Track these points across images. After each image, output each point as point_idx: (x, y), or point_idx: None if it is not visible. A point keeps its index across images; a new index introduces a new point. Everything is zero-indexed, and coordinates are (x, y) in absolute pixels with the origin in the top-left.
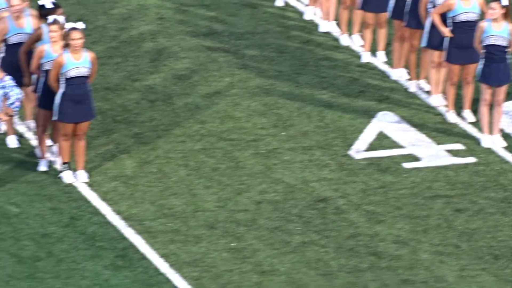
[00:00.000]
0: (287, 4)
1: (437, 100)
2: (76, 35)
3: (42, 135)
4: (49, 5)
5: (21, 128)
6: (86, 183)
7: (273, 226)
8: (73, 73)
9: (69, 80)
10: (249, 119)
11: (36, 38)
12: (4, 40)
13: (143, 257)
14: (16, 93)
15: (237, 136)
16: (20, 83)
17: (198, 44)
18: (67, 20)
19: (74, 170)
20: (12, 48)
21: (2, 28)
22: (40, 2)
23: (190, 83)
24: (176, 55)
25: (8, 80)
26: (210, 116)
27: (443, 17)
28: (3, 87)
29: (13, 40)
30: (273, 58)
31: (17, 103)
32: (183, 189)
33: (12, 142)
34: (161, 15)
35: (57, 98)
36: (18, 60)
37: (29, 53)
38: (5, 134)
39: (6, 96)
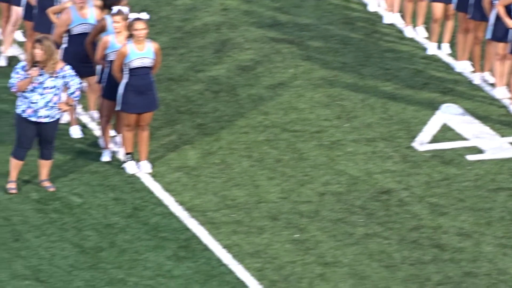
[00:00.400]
0: None
1: (501, 93)
2: (139, 25)
3: (105, 125)
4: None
5: (84, 118)
6: (149, 173)
7: (336, 217)
8: (136, 63)
9: (132, 71)
10: (313, 110)
11: (101, 29)
12: (68, 31)
13: (206, 248)
14: (76, 82)
15: (300, 128)
16: (82, 74)
17: (263, 35)
18: (131, 11)
19: (137, 160)
20: (76, 39)
21: (66, 18)
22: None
23: (254, 74)
24: (240, 46)
25: (68, 70)
26: (273, 107)
27: (508, 9)
28: (64, 77)
29: (76, 30)
30: (337, 50)
31: (77, 93)
32: (246, 180)
33: (75, 132)
34: (226, 6)
35: (120, 89)
36: (81, 50)
37: (94, 44)
38: (69, 124)
39: (66, 86)
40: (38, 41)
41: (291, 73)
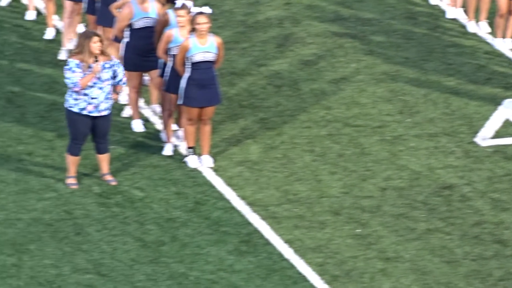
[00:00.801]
0: None
1: None
2: (202, 19)
3: (168, 119)
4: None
5: (146, 112)
6: (211, 168)
7: (398, 212)
8: (198, 57)
9: (194, 65)
10: (375, 105)
11: (164, 23)
12: (129, 25)
13: (268, 243)
14: (122, 69)
15: (362, 122)
16: (144, 67)
17: (325, 30)
18: (194, 5)
19: (199, 154)
20: (137, 33)
21: (127, 13)
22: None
23: (316, 69)
24: (303, 40)
25: (114, 59)
26: (336, 102)
27: None
28: (111, 66)
29: (138, 24)
30: (399, 45)
31: (124, 79)
32: (308, 175)
33: (137, 126)
34: (288, 0)
35: (183, 83)
36: (143, 44)
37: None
38: (131, 118)
39: (114, 74)
40: (96, 34)
41: (354, 68)
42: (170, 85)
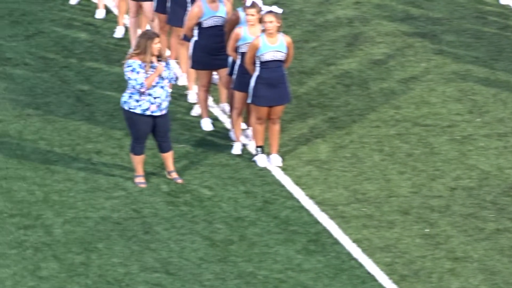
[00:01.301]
0: None
1: None
2: (269, 18)
3: (237, 118)
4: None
5: (215, 111)
6: (280, 167)
7: (467, 212)
8: (268, 56)
9: (264, 64)
10: (445, 105)
11: (234, 22)
12: (198, 24)
13: (336, 242)
14: (173, 66)
15: (432, 122)
16: (213, 66)
17: (395, 29)
18: (264, 4)
19: (268, 154)
20: (206, 31)
21: (197, 11)
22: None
23: (386, 68)
24: (373, 39)
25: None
26: (405, 102)
27: None
28: (167, 64)
29: (207, 23)
30: (469, 44)
31: (175, 76)
32: (377, 174)
33: (206, 125)
34: (358, 0)
35: (252, 81)
36: (212, 43)
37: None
38: (200, 117)
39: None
40: (156, 35)
41: (423, 67)
42: (239, 83)
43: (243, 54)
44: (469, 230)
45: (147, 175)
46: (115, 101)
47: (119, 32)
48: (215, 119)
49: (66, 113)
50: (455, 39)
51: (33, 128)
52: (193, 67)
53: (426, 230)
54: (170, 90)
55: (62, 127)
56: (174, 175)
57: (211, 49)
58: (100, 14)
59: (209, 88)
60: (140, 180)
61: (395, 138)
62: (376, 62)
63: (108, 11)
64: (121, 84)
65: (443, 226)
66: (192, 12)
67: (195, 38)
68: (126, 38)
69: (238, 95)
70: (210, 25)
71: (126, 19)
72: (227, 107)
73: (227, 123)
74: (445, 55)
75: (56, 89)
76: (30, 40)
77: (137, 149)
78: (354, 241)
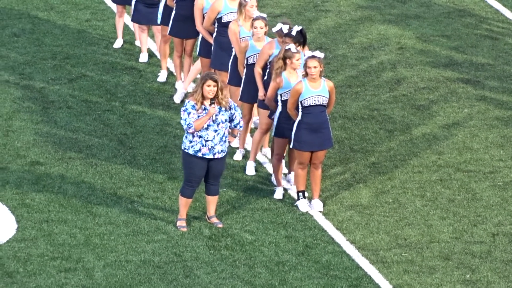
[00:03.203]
0: None
1: None
2: (313, 63)
3: (277, 163)
4: (296, 32)
5: (258, 156)
6: (321, 211)
7: (508, 258)
8: (310, 101)
9: (306, 109)
10: (487, 150)
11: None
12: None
13: (377, 287)
14: (239, 113)
15: (474, 168)
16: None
17: (438, 75)
18: (309, 49)
19: (310, 198)
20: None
21: (244, 46)
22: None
23: (429, 114)
24: (416, 85)
25: (231, 102)
26: (448, 147)
27: None
28: (230, 108)
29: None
30: None
31: (242, 123)
32: (418, 219)
33: (250, 169)
34: (402, 45)
35: (294, 126)
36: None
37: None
38: (242, 161)
39: (231, 118)
40: (211, 78)
41: (466, 113)
42: (279, 130)
43: (283, 102)
44: (511, 276)
45: (189, 219)
46: (158, 144)
47: (162, 76)
48: (258, 164)
49: (108, 157)
50: (498, 85)
51: (75, 171)
52: (258, 106)
53: (467, 276)
54: (237, 134)
55: (104, 170)
56: (214, 220)
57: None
58: (143, 58)
59: (267, 131)
60: (182, 223)
61: (437, 183)
62: (418, 108)
63: (151, 55)
64: (164, 128)
65: (484, 272)
66: (240, 45)
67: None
68: (169, 82)
69: (278, 141)
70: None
71: (170, 63)
72: (269, 151)
73: (269, 167)
74: (488, 101)
75: (99, 132)
76: (73, 84)
77: (186, 191)
78: (395, 286)
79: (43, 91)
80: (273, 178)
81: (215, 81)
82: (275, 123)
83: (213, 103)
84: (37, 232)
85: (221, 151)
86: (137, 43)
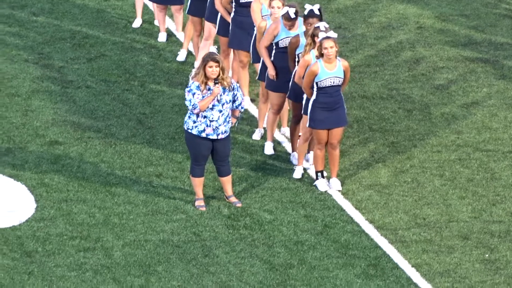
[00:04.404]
0: None
1: None
2: (329, 43)
3: (303, 143)
4: (316, 11)
5: (277, 135)
6: (340, 191)
7: None
8: (326, 83)
9: (321, 89)
10: (506, 130)
11: (295, 44)
12: (274, 43)
13: (396, 267)
14: (240, 94)
15: (493, 147)
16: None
17: (457, 54)
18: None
19: (328, 178)
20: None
21: (273, 28)
22: (308, 7)
23: (448, 93)
24: (435, 64)
25: (234, 82)
26: (466, 127)
27: None
28: (233, 89)
29: (283, 43)
30: None
31: (243, 103)
32: (437, 199)
33: (268, 149)
34: (420, 24)
35: (309, 105)
36: (286, 66)
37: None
38: (261, 140)
39: (234, 98)
40: (213, 59)
41: (485, 92)
42: (305, 108)
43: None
44: None
45: (208, 198)
46: (177, 124)
47: (182, 56)
48: (277, 143)
49: (127, 136)
50: None
51: (94, 150)
52: (266, 87)
53: (486, 255)
54: (238, 115)
55: (123, 150)
56: (233, 199)
57: (286, 71)
58: (162, 37)
59: (279, 111)
60: (200, 203)
61: (456, 163)
62: (437, 87)
63: (170, 34)
64: (182, 108)
65: (503, 251)
66: (268, 29)
67: (271, 58)
68: (188, 61)
69: (306, 119)
70: (283, 46)
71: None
72: (288, 131)
73: (288, 147)
74: (507, 80)
75: (118, 112)
76: (92, 63)
77: (196, 171)
78: (414, 265)
79: (62, 70)
80: (292, 157)
81: (217, 61)
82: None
83: (218, 83)
84: (56, 211)
85: (225, 131)
86: (156, 22)
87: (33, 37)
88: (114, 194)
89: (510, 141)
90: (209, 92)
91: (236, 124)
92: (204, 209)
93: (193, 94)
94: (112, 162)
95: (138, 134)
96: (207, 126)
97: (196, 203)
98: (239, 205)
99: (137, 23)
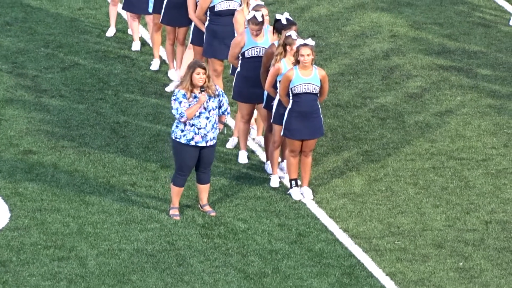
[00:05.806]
0: None
1: None
2: (305, 51)
3: (274, 151)
4: (284, 21)
5: (251, 143)
6: (314, 200)
7: (501, 246)
8: (300, 89)
9: (296, 96)
10: (480, 138)
11: (271, 55)
12: (242, 54)
13: (370, 275)
14: (226, 99)
15: (467, 156)
16: (254, 99)
17: (431, 63)
18: (300, 37)
19: (300, 186)
20: (248, 63)
21: (239, 40)
22: (277, 17)
23: (421, 102)
24: (408, 73)
25: (218, 89)
26: (440, 135)
27: None
28: (218, 95)
29: (249, 53)
30: (505, 78)
31: (229, 109)
32: (411, 207)
33: (243, 158)
34: (394, 33)
35: (285, 114)
36: (253, 75)
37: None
38: (235, 149)
39: (219, 104)
40: (200, 65)
41: (459, 101)
42: (278, 117)
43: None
44: (503, 264)
45: (182, 207)
46: (150, 133)
47: (155, 65)
48: (250, 152)
49: (101, 145)
50: (491, 73)
51: (68, 160)
52: (234, 97)
53: (460, 263)
54: (224, 121)
55: (97, 159)
56: (207, 208)
57: (253, 81)
58: (136, 46)
59: (250, 120)
60: (174, 212)
61: (430, 171)
62: (411, 96)
63: (144, 43)
64: (157, 117)
65: (477, 259)
66: (235, 40)
67: (238, 69)
68: (162, 70)
69: (277, 128)
70: (251, 55)
71: (162, 51)
72: (262, 140)
73: (262, 156)
74: (480, 88)
75: (92, 121)
76: (66, 72)
77: (178, 180)
78: (388, 274)
79: (36, 79)
80: (266, 166)
81: (204, 68)
82: (273, 110)
83: (203, 91)
84: (30, 221)
85: (213, 138)
86: (130, 31)
87: (6, 46)
88: (88, 203)
89: (483, 150)
90: (195, 100)
91: (225, 130)
92: (178, 218)
93: (180, 102)
94: (86, 171)
95: (112, 143)
96: (195, 134)
97: (171, 212)
98: (213, 214)
99: (110, 32)
